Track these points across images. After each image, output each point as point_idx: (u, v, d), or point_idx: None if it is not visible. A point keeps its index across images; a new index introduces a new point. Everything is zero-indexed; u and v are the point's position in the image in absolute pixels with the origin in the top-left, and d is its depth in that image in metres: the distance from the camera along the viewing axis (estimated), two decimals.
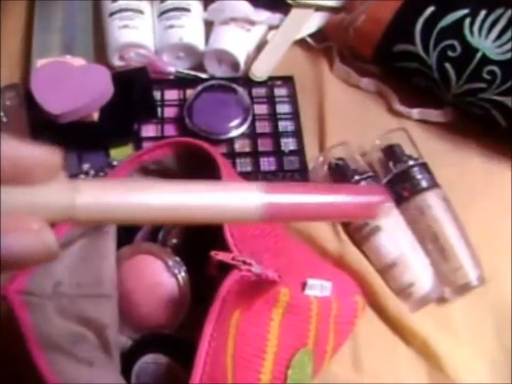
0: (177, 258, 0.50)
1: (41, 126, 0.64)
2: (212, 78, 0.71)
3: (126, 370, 0.48)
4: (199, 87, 0.68)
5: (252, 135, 0.67)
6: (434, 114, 0.70)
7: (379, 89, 0.72)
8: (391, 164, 0.62)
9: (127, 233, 0.53)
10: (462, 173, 0.66)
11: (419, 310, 0.58)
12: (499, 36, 0.63)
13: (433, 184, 0.61)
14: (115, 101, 0.65)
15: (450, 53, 0.64)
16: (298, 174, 0.64)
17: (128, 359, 0.48)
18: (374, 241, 0.59)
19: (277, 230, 0.54)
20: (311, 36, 0.75)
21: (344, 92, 0.72)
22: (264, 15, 0.75)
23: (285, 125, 0.68)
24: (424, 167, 0.62)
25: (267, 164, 0.65)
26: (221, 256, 0.41)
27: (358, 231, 0.60)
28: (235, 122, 0.66)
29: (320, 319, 0.50)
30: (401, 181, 0.61)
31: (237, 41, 0.71)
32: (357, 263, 0.59)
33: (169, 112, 0.68)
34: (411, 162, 0.62)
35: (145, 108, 0.68)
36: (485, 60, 0.63)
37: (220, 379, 0.41)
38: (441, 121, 0.70)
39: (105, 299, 0.48)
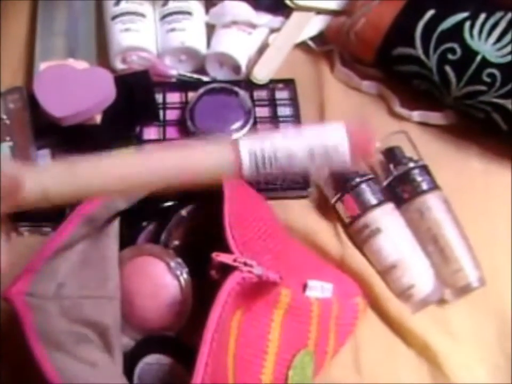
0: (180, 260, 0.51)
1: (44, 128, 0.65)
2: (214, 81, 0.71)
3: (128, 371, 0.48)
4: (201, 90, 0.69)
5: None
6: (434, 117, 0.70)
7: (380, 92, 0.72)
8: (391, 166, 0.63)
9: (130, 235, 0.54)
10: (462, 175, 0.66)
11: (419, 311, 0.58)
12: (499, 39, 0.63)
13: (434, 187, 0.62)
14: (117, 104, 0.65)
15: (450, 56, 0.64)
16: (299, 176, 0.65)
17: (130, 360, 0.49)
18: (374, 243, 0.59)
19: (278, 232, 0.54)
20: (312, 39, 0.75)
21: (345, 95, 0.72)
22: (265, 18, 0.75)
23: (286, 128, 0.68)
24: (425, 169, 0.62)
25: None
26: (222, 257, 0.41)
27: (358, 233, 0.60)
28: (237, 125, 0.66)
29: (321, 320, 0.51)
30: (401, 183, 0.62)
31: (238, 45, 0.71)
32: (357, 265, 0.59)
33: (171, 115, 0.69)
34: (411, 165, 0.62)
35: (147, 111, 0.68)
36: (485, 63, 0.63)
37: (221, 379, 0.41)
38: (441, 124, 0.70)
39: (107, 300, 0.49)
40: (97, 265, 0.49)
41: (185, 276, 0.50)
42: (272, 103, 0.70)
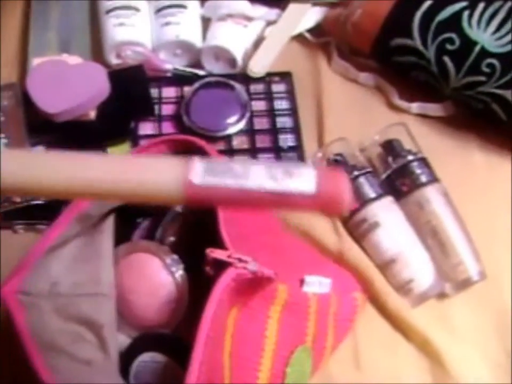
0: (175, 256, 0.50)
1: (38, 125, 0.64)
2: (209, 74, 0.71)
3: (124, 369, 0.47)
4: (197, 84, 0.68)
5: (250, 131, 0.67)
6: (433, 108, 0.69)
7: (378, 83, 0.71)
8: (390, 159, 0.62)
9: (125, 231, 0.53)
10: (462, 167, 0.66)
11: (419, 305, 0.58)
12: (498, 28, 0.62)
13: (433, 179, 0.61)
14: (112, 99, 0.65)
15: (448, 46, 0.64)
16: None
17: (126, 358, 0.48)
18: (373, 237, 0.59)
19: (275, 227, 0.53)
20: (309, 31, 0.75)
21: (343, 87, 0.71)
22: (261, 11, 0.74)
23: (283, 121, 0.67)
24: (424, 161, 0.62)
25: (265, 160, 0.65)
26: (216, 253, 0.41)
27: (357, 227, 0.60)
28: (233, 119, 0.66)
29: (319, 316, 0.50)
30: (400, 176, 0.61)
31: (234, 38, 0.71)
32: (356, 259, 0.58)
33: (167, 109, 0.68)
34: (410, 157, 0.61)
35: (143, 106, 0.68)
36: (484, 53, 0.62)
37: (217, 377, 0.41)
38: (440, 115, 0.69)
39: (102, 298, 0.48)
40: (92, 262, 0.49)
41: (180, 272, 0.49)
42: (269, 96, 0.69)
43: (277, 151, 0.65)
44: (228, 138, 0.66)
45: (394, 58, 0.68)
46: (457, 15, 0.63)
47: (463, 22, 0.63)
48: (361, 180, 0.60)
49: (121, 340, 0.50)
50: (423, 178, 0.60)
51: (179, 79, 0.70)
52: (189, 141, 0.48)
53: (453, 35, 0.63)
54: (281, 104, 0.69)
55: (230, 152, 0.65)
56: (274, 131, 0.67)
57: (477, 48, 0.62)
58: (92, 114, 0.64)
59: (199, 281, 0.50)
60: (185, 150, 0.49)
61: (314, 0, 0.75)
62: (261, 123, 0.67)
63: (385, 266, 0.58)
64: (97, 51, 0.72)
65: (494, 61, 0.62)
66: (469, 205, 0.61)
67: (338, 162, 0.62)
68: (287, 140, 0.66)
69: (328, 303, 0.51)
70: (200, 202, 0.28)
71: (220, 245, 0.42)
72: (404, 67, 0.68)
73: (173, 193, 0.27)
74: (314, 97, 0.70)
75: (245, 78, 0.70)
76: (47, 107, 0.62)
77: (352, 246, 0.59)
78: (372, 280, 0.58)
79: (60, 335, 0.45)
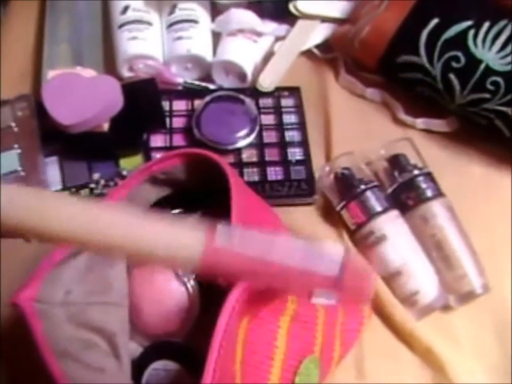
0: None
1: (52, 136, 0.65)
2: (220, 88, 0.72)
3: (136, 377, 0.48)
4: (207, 98, 0.69)
5: (259, 145, 0.68)
6: (438, 124, 0.70)
7: (384, 99, 0.73)
8: (396, 173, 0.63)
9: None
10: (466, 182, 0.67)
11: (424, 317, 0.59)
12: (502, 47, 0.64)
13: (438, 194, 0.62)
14: (124, 111, 0.66)
15: (454, 64, 0.65)
16: (304, 183, 0.65)
17: (138, 366, 0.49)
18: (379, 250, 0.60)
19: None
20: (317, 46, 0.76)
21: (350, 102, 0.73)
22: (270, 27, 0.76)
23: (292, 135, 0.69)
24: (429, 176, 0.63)
25: (274, 173, 0.66)
26: None
27: (363, 239, 0.61)
28: (242, 132, 0.67)
29: (327, 327, 0.51)
30: (406, 190, 0.62)
31: (244, 53, 0.72)
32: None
33: (178, 122, 0.69)
34: (416, 172, 0.63)
35: (154, 118, 0.69)
36: (489, 71, 0.64)
37: None
38: (445, 131, 0.70)
39: (114, 307, 0.49)
40: (104, 272, 0.50)
41: (192, 282, 0.51)
42: (278, 110, 0.70)
43: (286, 165, 0.66)
44: (238, 151, 0.67)
45: (401, 74, 0.69)
46: (463, 34, 0.65)
47: (469, 40, 0.64)
48: (368, 193, 0.61)
49: (133, 348, 0.51)
50: (429, 193, 0.62)
51: (190, 93, 0.72)
52: (202, 154, 0.49)
53: (459, 53, 0.65)
54: (289, 118, 0.70)
55: (240, 165, 0.66)
56: (283, 145, 0.68)
57: (482, 66, 0.64)
58: (105, 126, 0.66)
59: (209, 291, 0.51)
60: (198, 162, 0.50)
61: (322, 16, 0.76)
62: (270, 137, 0.68)
63: (390, 278, 0.59)
64: (110, 64, 0.74)
65: (498, 79, 0.64)
66: (472, 218, 0.62)
67: (345, 175, 0.63)
68: (295, 154, 0.67)
69: (336, 314, 0.52)
70: (217, 272, 0.27)
71: None
72: (409, 83, 0.69)
73: (190, 262, 0.26)
74: (322, 111, 0.72)
75: (255, 92, 0.71)
76: (61, 118, 0.63)
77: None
78: (377, 292, 0.59)
79: (73, 343, 0.46)
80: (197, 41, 0.73)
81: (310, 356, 0.49)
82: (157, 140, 0.68)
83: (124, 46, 0.72)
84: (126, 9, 0.74)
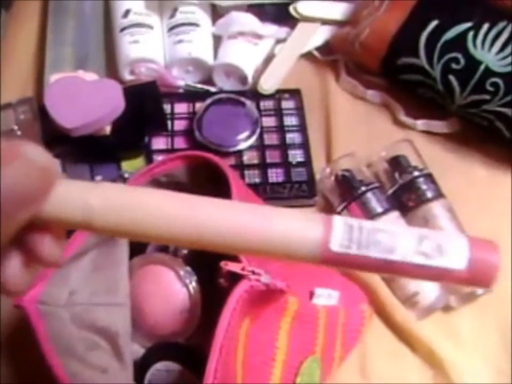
0: (188, 268, 0.51)
1: (54, 139, 0.66)
2: (221, 91, 0.72)
3: (138, 378, 0.49)
4: (208, 101, 0.70)
5: (260, 147, 0.68)
6: (439, 126, 0.71)
7: (384, 101, 0.73)
8: (396, 174, 0.64)
9: (139, 244, 0.55)
10: (466, 183, 0.67)
11: (425, 318, 0.59)
12: (502, 49, 0.64)
13: (438, 195, 0.62)
14: (126, 114, 0.66)
15: (454, 66, 0.65)
16: (305, 185, 0.66)
17: (140, 367, 0.49)
18: None
19: None
20: (318, 49, 0.76)
21: (350, 104, 0.73)
22: (271, 29, 0.76)
23: (293, 137, 0.69)
24: (429, 177, 0.63)
25: (275, 175, 0.66)
26: (230, 266, 0.42)
27: None
28: (244, 134, 0.67)
29: (328, 327, 0.51)
30: (406, 191, 0.62)
31: (244, 55, 0.73)
32: (363, 273, 0.60)
33: (179, 125, 0.70)
34: (416, 173, 0.63)
35: (156, 121, 0.69)
36: (488, 72, 0.64)
37: None
38: (445, 132, 0.71)
39: (118, 308, 0.49)
40: (108, 273, 0.50)
41: (194, 284, 0.51)
42: (279, 113, 0.71)
43: (286, 167, 0.67)
44: (239, 153, 0.67)
45: (401, 76, 0.70)
46: (463, 36, 0.65)
47: (468, 42, 0.65)
48: (369, 195, 0.61)
49: (135, 349, 0.52)
50: (429, 194, 0.62)
51: (191, 95, 0.72)
52: (203, 156, 0.50)
53: (458, 55, 0.65)
54: (290, 121, 0.70)
55: (241, 167, 0.66)
56: (283, 147, 0.68)
57: (482, 68, 0.64)
58: (107, 129, 0.66)
59: (211, 292, 0.51)
60: (199, 165, 0.51)
61: (323, 19, 0.77)
62: (271, 139, 0.69)
63: (391, 279, 0.60)
64: (111, 67, 0.74)
65: (498, 80, 0.64)
66: (473, 220, 0.62)
67: (346, 177, 0.63)
68: (296, 156, 0.68)
69: (337, 315, 0.53)
70: (338, 266, 0.26)
71: (232, 257, 0.44)
72: (410, 85, 0.70)
73: (308, 255, 0.25)
74: (322, 113, 0.72)
75: (255, 95, 0.72)
76: (64, 122, 0.63)
77: None
78: (379, 293, 0.59)
79: (76, 344, 0.46)
80: (198, 44, 0.73)
81: (311, 356, 0.49)
82: (159, 143, 0.69)
83: (126, 50, 0.72)
84: (127, 13, 0.74)
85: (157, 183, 0.52)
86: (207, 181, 0.50)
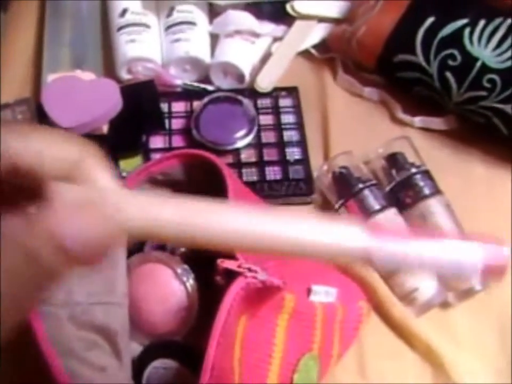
0: (186, 266, 0.51)
1: None
2: (218, 90, 0.72)
3: (137, 376, 0.49)
4: (206, 99, 0.70)
5: (258, 145, 0.68)
6: (436, 122, 0.71)
7: (382, 98, 0.73)
8: (394, 171, 0.64)
9: (137, 242, 0.55)
10: (464, 180, 0.67)
11: (423, 314, 0.59)
12: (498, 45, 0.64)
13: (436, 191, 0.62)
14: (124, 113, 0.67)
15: (450, 62, 0.65)
16: (303, 182, 0.66)
17: (138, 365, 0.50)
18: None
19: None
20: (315, 47, 0.76)
21: (348, 102, 0.73)
22: (268, 27, 0.76)
23: (290, 135, 0.69)
24: (427, 174, 0.63)
25: (272, 173, 0.66)
26: (227, 264, 0.42)
27: None
28: (241, 133, 0.68)
29: (325, 324, 0.51)
30: (404, 188, 0.63)
31: (241, 54, 0.73)
32: (361, 269, 0.60)
33: (177, 123, 0.70)
34: (413, 170, 0.63)
35: (153, 120, 0.69)
36: (485, 69, 0.64)
37: (228, 383, 0.42)
38: (443, 129, 0.71)
39: (116, 306, 0.50)
40: (105, 272, 0.50)
41: (191, 282, 0.51)
42: (276, 110, 0.71)
43: (284, 164, 0.67)
44: (236, 151, 0.67)
45: (398, 73, 0.70)
46: (459, 32, 0.65)
47: (465, 38, 0.65)
48: (366, 192, 0.62)
49: (133, 347, 0.52)
50: (426, 191, 0.62)
51: (188, 94, 0.72)
52: (200, 155, 0.50)
53: (455, 51, 0.65)
54: (288, 118, 0.70)
55: (238, 165, 0.67)
56: (281, 145, 0.68)
57: (478, 64, 0.64)
58: (104, 128, 0.66)
59: (208, 290, 0.51)
60: (196, 163, 0.51)
61: (319, 17, 0.77)
62: (268, 137, 0.69)
63: (389, 276, 0.60)
64: (108, 67, 0.74)
65: (494, 76, 0.64)
66: (471, 216, 0.62)
67: (343, 174, 0.63)
68: (293, 153, 0.68)
69: (334, 312, 0.53)
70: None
71: (229, 255, 0.44)
72: (407, 82, 0.70)
73: (352, 260, 0.27)
74: (320, 111, 0.72)
75: (253, 93, 0.72)
76: (61, 121, 0.64)
77: None
78: (376, 290, 0.59)
79: (75, 343, 0.46)
80: (195, 43, 0.73)
81: (308, 353, 0.49)
82: (157, 141, 0.69)
83: (123, 49, 0.73)
84: (124, 12, 0.74)
85: (153, 182, 0.52)
86: (204, 179, 0.50)
